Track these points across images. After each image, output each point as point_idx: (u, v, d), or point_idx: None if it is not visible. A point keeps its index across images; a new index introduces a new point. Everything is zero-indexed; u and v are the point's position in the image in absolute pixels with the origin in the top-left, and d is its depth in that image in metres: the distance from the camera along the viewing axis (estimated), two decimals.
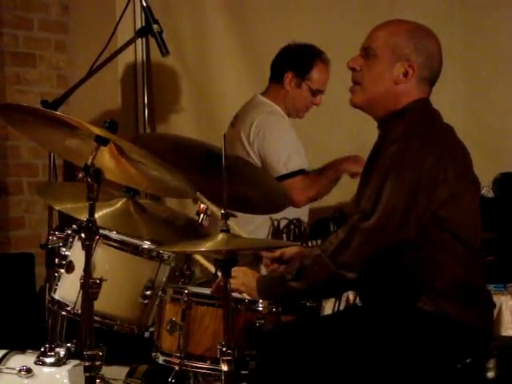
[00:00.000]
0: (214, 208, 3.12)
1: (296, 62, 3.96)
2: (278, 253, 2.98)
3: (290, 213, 3.66)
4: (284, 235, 3.94)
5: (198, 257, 3.15)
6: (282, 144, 3.90)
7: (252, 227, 3.85)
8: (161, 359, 2.81)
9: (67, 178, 4.20)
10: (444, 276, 2.62)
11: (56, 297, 2.97)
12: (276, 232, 3.92)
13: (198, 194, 3.08)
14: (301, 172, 3.89)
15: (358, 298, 3.06)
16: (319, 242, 3.61)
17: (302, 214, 3.98)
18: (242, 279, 2.79)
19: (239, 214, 2.99)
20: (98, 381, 2.58)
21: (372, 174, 2.67)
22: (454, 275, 2.63)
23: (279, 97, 3.99)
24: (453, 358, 2.60)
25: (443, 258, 2.62)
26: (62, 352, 2.87)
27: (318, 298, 2.84)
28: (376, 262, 2.61)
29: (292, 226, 3.94)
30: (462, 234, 2.64)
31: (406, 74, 2.71)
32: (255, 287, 2.77)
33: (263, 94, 4.05)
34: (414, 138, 2.64)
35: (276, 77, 4.01)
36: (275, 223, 3.92)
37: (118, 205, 3.01)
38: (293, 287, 2.69)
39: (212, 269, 3.07)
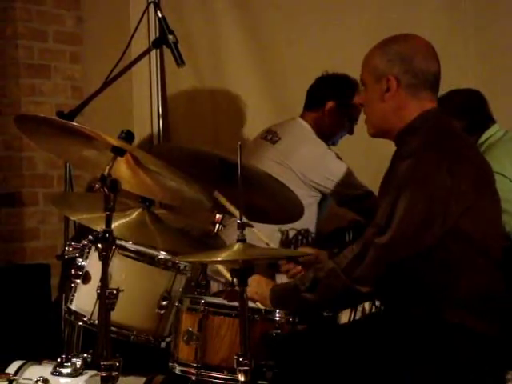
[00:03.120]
0: (232, 208, 3.13)
1: (339, 92, 4.00)
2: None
3: (298, 223, 3.69)
4: (292, 245, 3.95)
5: (220, 266, 3.13)
6: (342, 170, 3.94)
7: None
8: (177, 369, 2.81)
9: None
10: (463, 287, 2.59)
11: (72, 307, 2.97)
12: (285, 242, 3.94)
13: (216, 193, 3.11)
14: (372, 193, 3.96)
15: (373, 308, 3.06)
16: (334, 251, 3.61)
17: (310, 224, 3.99)
18: (256, 288, 2.79)
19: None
20: None
21: (387, 188, 2.66)
22: (473, 286, 2.60)
23: (316, 124, 4.03)
24: (472, 369, 2.58)
25: (462, 269, 2.59)
26: (78, 362, 2.88)
27: (331, 310, 2.84)
28: (395, 273, 2.60)
29: (300, 237, 3.96)
30: (482, 245, 2.62)
31: (388, 89, 2.71)
32: (268, 296, 2.78)
33: (302, 118, 4.07)
34: (427, 151, 2.62)
35: (315, 104, 4.04)
36: (284, 233, 3.94)
37: (134, 215, 3.02)
38: (306, 298, 2.69)
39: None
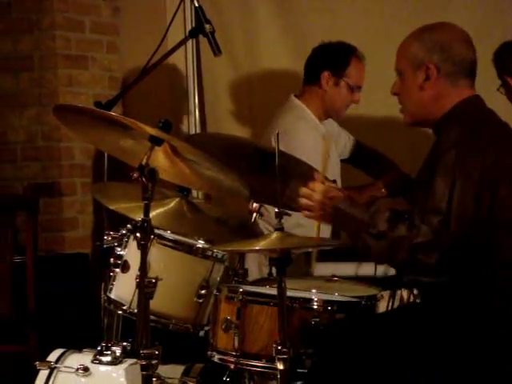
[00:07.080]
0: None
1: (332, 60, 3.85)
2: None
3: None
4: None
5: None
6: (300, 148, 3.67)
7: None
8: (216, 358, 2.82)
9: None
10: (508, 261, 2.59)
11: (112, 296, 3.00)
12: None
13: None
14: None
15: (411, 297, 3.04)
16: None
17: None
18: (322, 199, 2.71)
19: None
20: (154, 379, 2.61)
21: (436, 174, 2.61)
22: None
23: (316, 99, 3.89)
24: None
25: (504, 243, 2.59)
26: (118, 351, 2.89)
27: (383, 264, 2.79)
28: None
29: None
30: None
31: (428, 78, 2.73)
32: (332, 213, 2.70)
33: (298, 96, 3.96)
34: (473, 139, 2.62)
35: (311, 78, 3.90)
36: None
37: (172, 204, 3.03)
38: (367, 241, 2.61)
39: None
